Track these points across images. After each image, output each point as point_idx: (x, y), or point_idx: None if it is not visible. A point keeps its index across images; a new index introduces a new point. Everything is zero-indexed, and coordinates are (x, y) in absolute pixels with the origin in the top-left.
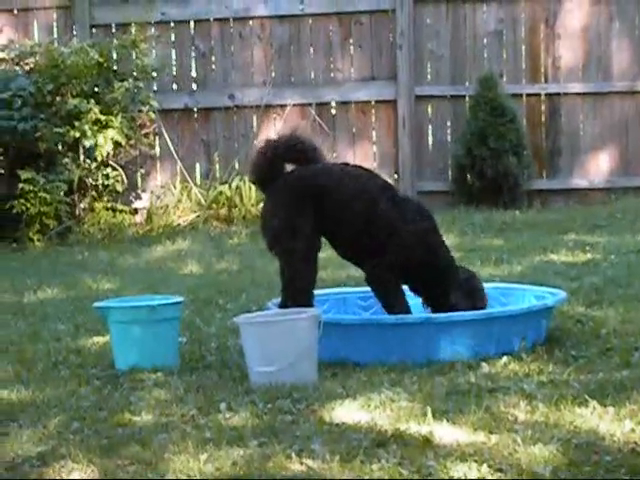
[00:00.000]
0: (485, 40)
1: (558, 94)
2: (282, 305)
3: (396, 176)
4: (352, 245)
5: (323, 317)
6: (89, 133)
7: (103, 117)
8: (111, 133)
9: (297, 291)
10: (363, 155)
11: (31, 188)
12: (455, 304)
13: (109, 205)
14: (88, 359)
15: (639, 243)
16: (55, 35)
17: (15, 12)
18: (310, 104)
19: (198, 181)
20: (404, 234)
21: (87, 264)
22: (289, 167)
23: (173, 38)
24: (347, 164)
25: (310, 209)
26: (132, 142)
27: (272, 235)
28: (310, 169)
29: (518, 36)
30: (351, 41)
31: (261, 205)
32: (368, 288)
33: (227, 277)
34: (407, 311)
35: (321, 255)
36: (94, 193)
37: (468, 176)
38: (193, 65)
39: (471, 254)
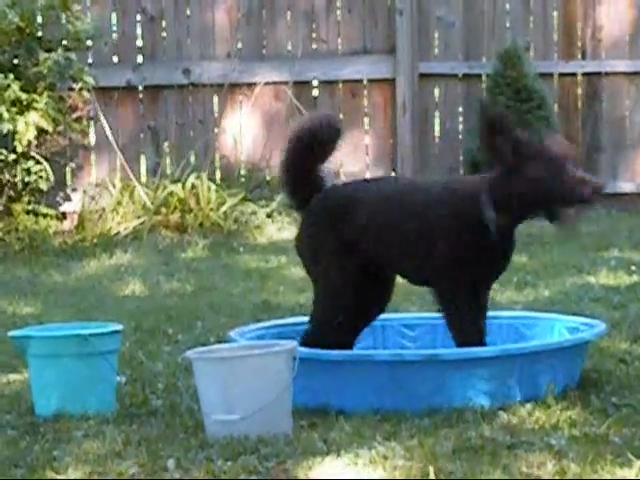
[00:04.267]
0: (507, 5)
1: (599, 74)
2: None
3: (393, 174)
4: None
5: (299, 352)
6: (6, 116)
7: (24, 96)
8: (34, 117)
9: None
10: (352, 148)
11: None
12: None
13: (30, 208)
14: (0, 403)
15: None
16: None
17: None
18: (286, 83)
19: (143, 178)
20: None
21: (1, 282)
22: None
23: None
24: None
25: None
26: (60, 128)
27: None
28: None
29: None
30: (338, 4)
31: (222, 210)
32: None
33: (178, 300)
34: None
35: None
36: (12, 192)
37: None
38: (139, 32)
39: None
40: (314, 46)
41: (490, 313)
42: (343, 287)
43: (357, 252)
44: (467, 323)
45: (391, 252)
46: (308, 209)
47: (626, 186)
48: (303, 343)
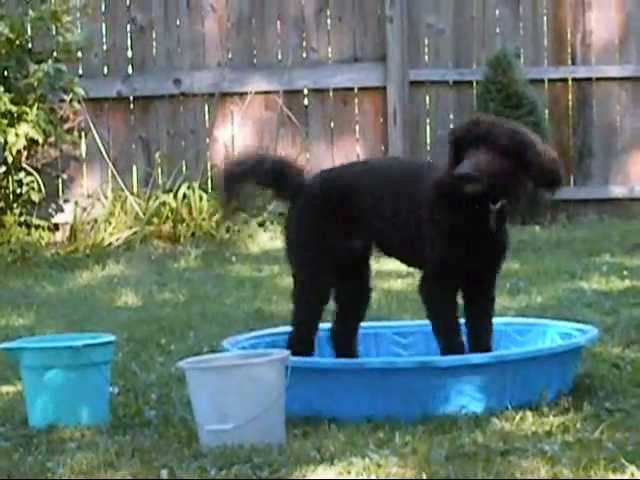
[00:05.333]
0: (497, 11)
1: (589, 79)
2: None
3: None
4: None
5: (291, 360)
6: None
7: (15, 108)
8: (25, 128)
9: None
10: (344, 155)
11: None
12: None
13: (22, 219)
14: None
15: None
16: None
17: None
18: (277, 92)
19: (135, 189)
20: None
21: None
22: None
23: (103, 8)
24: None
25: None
26: (52, 140)
27: None
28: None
29: (538, 6)
30: (328, 12)
31: (215, 219)
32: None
33: (171, 310)
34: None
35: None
36: (3, 204)
37: None
38: (129, 42)
39: None
40: (304, 55)
41: None
42: (323, 273)
43: (352, 234)
44: (448, 330)
45: (386, 230)
46: (303, 197)
47: (617, 191)
48: (290, 344)
